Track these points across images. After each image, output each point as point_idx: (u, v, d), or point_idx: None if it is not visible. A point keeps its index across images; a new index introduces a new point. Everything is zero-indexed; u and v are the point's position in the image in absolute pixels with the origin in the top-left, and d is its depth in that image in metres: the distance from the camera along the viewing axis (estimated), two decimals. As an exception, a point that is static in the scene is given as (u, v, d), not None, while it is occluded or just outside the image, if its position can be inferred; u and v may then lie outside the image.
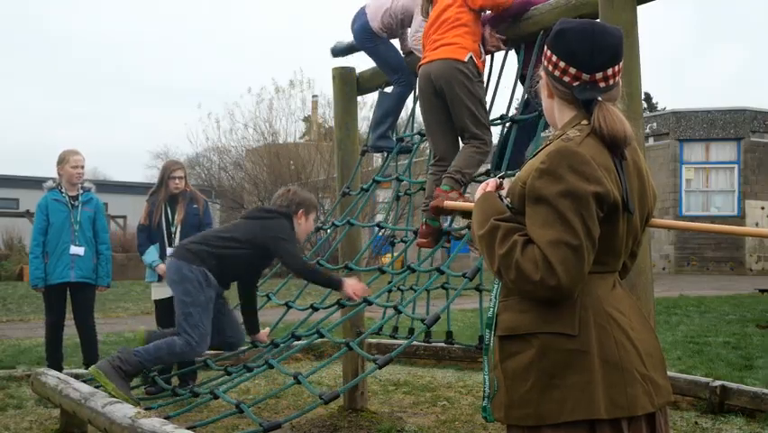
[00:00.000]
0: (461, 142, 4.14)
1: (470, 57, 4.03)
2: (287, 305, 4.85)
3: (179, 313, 4.29)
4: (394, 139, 5.09)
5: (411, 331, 5.06)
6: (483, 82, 4.19)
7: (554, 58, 1.94)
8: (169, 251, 5.89)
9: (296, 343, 4.54)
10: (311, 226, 4.65)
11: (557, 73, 1.94)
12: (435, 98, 4.10)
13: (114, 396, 3.97)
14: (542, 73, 2.04)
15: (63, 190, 6.02)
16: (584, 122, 1.91)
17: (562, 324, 1.83)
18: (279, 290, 5.10)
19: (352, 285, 4.25)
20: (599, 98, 1.90)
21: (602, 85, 1.92)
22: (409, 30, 4.81)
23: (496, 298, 1.99)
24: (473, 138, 4.03)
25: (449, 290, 4.72)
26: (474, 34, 4.11)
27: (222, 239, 4.36)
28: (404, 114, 5.54)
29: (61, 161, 6.05)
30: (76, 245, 5.90)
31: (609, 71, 1.91)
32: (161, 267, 5.83)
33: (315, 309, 4.73)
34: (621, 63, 1.94)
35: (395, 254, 5.40)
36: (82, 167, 6.09)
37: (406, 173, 5.10)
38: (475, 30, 4.13)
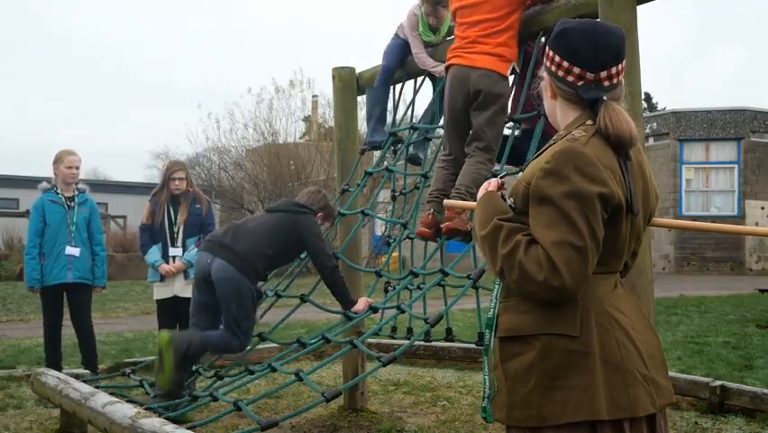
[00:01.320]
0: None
1: (513, 68, 3.95)
2: (276, 294, 4.89)
3: (232, 319, 4.38)
4: (388, 132, 5.09)
5: (409, 330, 5.05)
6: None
7: (557, 58, 1.93)
8: (171, 251, 5.90)
9: (302, 348, 4.56)
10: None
11: (561, 73, 1.93)
12: (463, 103, 3.99)
13: (164, 370, 4.22)
14: (544, 74, 2.02)
15: (59, 191, 6.01)
16: (589, 122, 1.90)
17: (564, 325, 1.82)
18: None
19: (360, 309, 4.40)
20: (604, 98, 1.89)
21: (606, 84, 1.91)
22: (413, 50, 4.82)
23: (496, 298, 1.98)
24: (484, 150, 3.94)
25: (445, 288, 4.72)
26: (517, 35, 3.95)
27: (267, 240, 4.47)
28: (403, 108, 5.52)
29: (57, 160, 6.03)
30: (72, 246, 5.89)
31: (613, 70, 1.90)
32: (164, 267, 5.84)
33: (304, 301, 4.83)
34: (624, 62, 1.93)
35: (391, 255, 5.38)
36: (77, 167, 6.07)
37: (399, 164, 5.10)
38: (518, 27, 3.95)
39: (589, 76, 1.90)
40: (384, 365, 3.52)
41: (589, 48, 1.88)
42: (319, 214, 4.68)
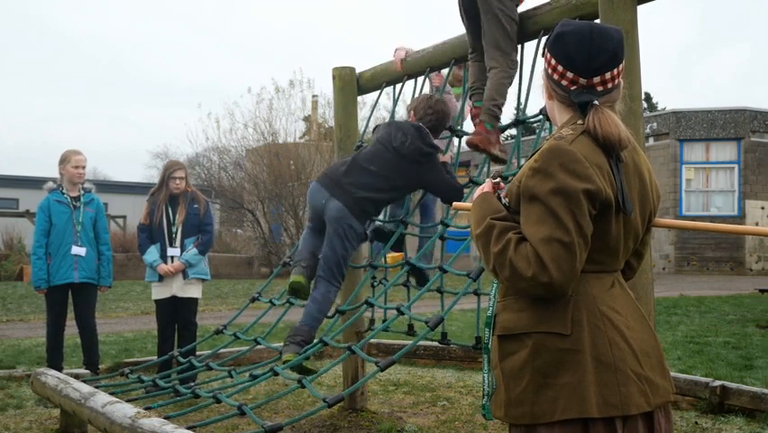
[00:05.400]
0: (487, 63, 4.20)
1: None
2: (271, 302, 4.89)
3: (333, 259, 4.35)
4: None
5: (410, 327, 5.00)
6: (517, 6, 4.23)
7: (553, 61, 1.95)
8: (170, 251, 5.91)
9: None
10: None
11: (555, 77, 1.96)
12: (471, 5, 4.17)
13: (306, 368, 4.12)
14: (542, 75, 2.05)
15: (65, 191, 6.02)
16: (579, 121, 1.92)
17: (555, 323, 1.84)
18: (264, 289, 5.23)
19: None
20: (596, 102, 1.91)
21: (600, 89, 1.93)
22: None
23: (494, 297, 2.01)
24: (500, 56, 4.06)
25: (443, 294, 4.69)
26: None
27: (385, 185, 4.36)
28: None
29: (63, 160, 6.04)
30: (78, 246, 5.90)
31: (608, 75, 1.92)
32: (162, 267, 5.84)
33: (292, 304, 4.81)
34: (621, 65, 1.95)
35: (386, 253, 5.33)
36: (83, 167, 6.09)
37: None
38: None
39: (582, 81, 1.92)
40: (382, 370, 3.53)
41: (583, 54, 1.90)
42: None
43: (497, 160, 4.19)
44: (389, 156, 4.36)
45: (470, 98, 4.42)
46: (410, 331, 4.97)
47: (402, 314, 4.10)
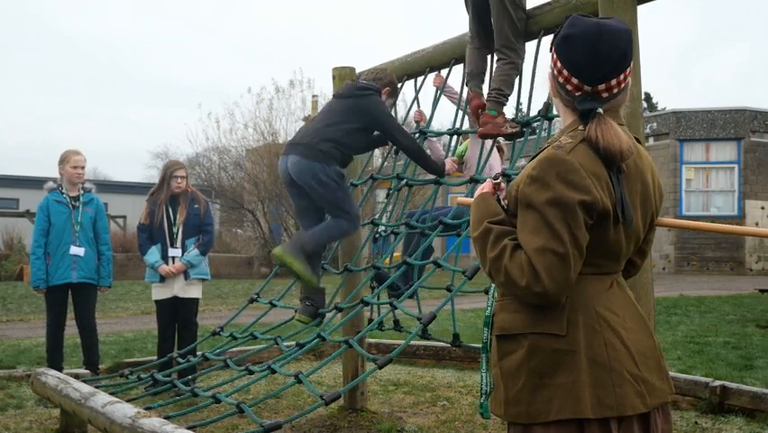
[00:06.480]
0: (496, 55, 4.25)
1: None
2: (270, 303, 4.88)
3: (331, 206, 4.48)
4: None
5: (396, 322, 4.95)
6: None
7: (559, 64, 1.92)
8: (171, 251, 5.91)
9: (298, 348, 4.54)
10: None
11: (561, 79, 1.93)
12: (475, 8, 4.26)
13: (299, 275, 4.29)
14: (548, 72, 2.02)
15: (64, 191, 6.02)
16: (580, 127, 1.90)
17: (551, 324, 1.84)
18: (263, 290, 5.20)
19: (450, 170, 4.69)
20: (599, 110, 1.88)
21: (605, 96, 1.90)
22: None
23: (493, 297, 2.02)
24: (511, 50, 4.13)
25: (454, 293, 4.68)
26: None
27: (335, 125, 4.47)
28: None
29: (62, 160, 6.05)
30: (76, 246, 5.90)
31: (613, 82, 1.89)
32: (163, 268, 5.84)
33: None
34: (629, 68, 1.91)
35: (384, 253, 5.32)
36: (83, 167, 6.10)
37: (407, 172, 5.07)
38: None
39: (587, 88, 1.90)
40: (380, 368, 3.53)
41: (589, 61, 1.87)
42: (386, 89, 4.66)
43: (514, 137, 4.27)
44: (334, 106, 4.60)
45: (467, 84, 4.45)
46: (425, 334, 4.94)
47: (395, 308, 4.11)
